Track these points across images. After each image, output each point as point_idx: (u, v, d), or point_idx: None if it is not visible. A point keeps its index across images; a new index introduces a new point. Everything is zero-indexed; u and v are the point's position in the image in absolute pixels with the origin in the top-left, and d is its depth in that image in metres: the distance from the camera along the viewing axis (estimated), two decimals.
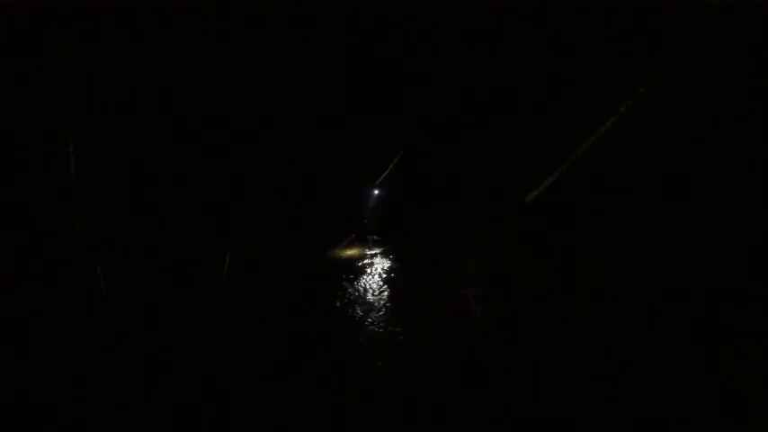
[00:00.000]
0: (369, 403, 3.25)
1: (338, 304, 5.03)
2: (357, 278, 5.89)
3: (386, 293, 5.39)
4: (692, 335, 3.79)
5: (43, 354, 3.57)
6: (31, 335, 3.74)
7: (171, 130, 5.18)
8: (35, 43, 4.35)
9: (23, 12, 4.15)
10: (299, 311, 4.76)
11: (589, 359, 3.80)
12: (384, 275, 6.08)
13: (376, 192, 6.74)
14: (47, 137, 4.53)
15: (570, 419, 3.08)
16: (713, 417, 3.07)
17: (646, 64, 4.56)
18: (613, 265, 4.85)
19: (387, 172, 6.29)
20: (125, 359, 3.65)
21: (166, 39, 4.78)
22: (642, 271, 4.56)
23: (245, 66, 5.27)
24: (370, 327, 4.49)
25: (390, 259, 6.62)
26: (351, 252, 6.56)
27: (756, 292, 3.57)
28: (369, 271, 6.18)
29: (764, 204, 3.71)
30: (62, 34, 4.42)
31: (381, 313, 4.82)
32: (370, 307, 4.99)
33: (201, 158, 5.37)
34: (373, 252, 6.75)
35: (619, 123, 4.77)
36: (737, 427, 3.00)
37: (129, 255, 4.77)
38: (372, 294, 5.39)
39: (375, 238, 6.93)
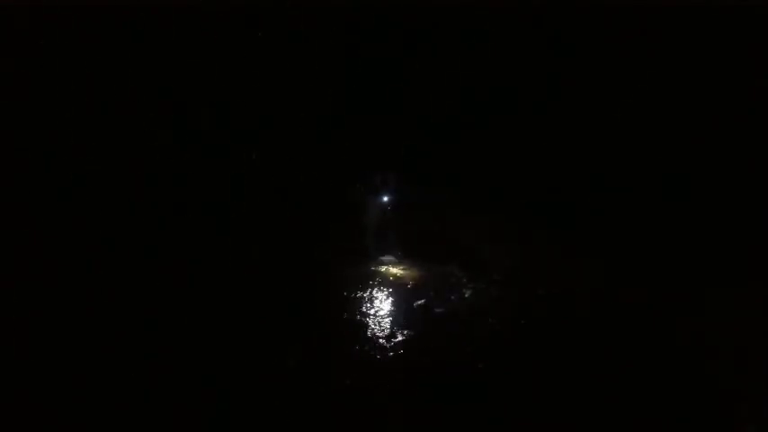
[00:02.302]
0: (367, 404, 3.25)
1: (337, 305, 5.02)
2: (356, 279, 5.86)
3: (385, 295, 5.38)
4: (692, 335, 3.78)
5: (43, 353, 3.57)
6: (30, 335, 3.74)
7: (171, 130, 5.17)
8: (35, 43, 4.34)
9: (23, 12, 4.14)
10: (299, 312, 4.75)
11: (589, 359, 3.80)
12: (383, 277, 6.06)
13: (375, 192, 6.69)
14: (47, 136, 4.53)
15: (569, 420, 3.07)
16: (713, 417, 3.07)
17: (646, 64, 4.56)
18: (613, 265, 4.84)
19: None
20: (125, 359, 3.65)
21: (166, 39, 4.77)
22: (642, 271, 4.55)
23: (245, 66, 5.26)
24: (369, 328, 4.49)
25: (389, 260, 6.60)
26: (350, 253, 6.52)
27: (756, 292, 3.56)
28: (368, 273, 6.16)
29: (764, 204, 3.70)
30: (62, 34, 4.42)
31: (381, 314, 4.81)
32: (369, 308, 4.98)
33: (201, 158, 5.37)
34: (373, 253, 6.71)
35: (619, 123, 4.77)
36: (737, 426, 2.99)
37: (129, 254, 4.77)
38: (372, 295, 5.37)
39: (374, 238, 6.89)
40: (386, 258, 6.59)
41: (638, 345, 3.92)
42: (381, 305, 5.05)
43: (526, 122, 5.49)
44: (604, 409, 3.15)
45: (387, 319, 4.66)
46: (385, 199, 6.79)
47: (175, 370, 3.55)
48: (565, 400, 3.24)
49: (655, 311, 4.17)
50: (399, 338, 4.24)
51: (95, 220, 4.66)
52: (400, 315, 4.81)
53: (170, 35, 4.77)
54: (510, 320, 4.61)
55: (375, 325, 4.52)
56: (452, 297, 5.24)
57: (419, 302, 5.11)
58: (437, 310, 4.94)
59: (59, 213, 4.50)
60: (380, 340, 4.20)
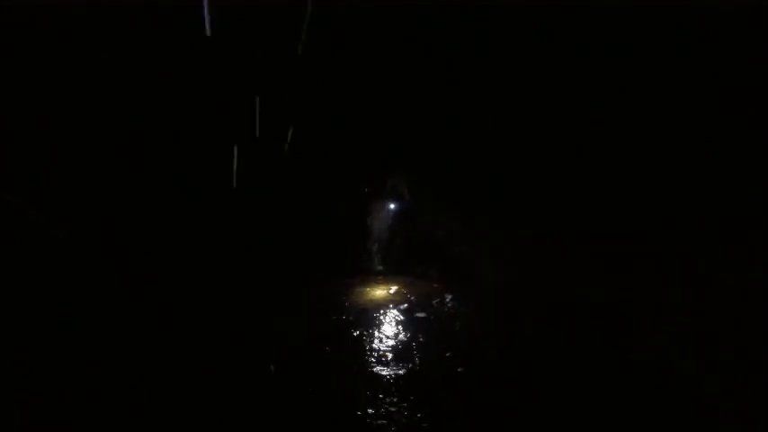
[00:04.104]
0: (360, 409, 3.23)
1: (332, 311, 4.97)
2: (339, 284, 5.76)
3: (380, 301, 5.33)
4: (695, 343, 3.72)
5: (42, 353, 3.59)
6: (31, 334, 3.76)
7: (169, 130, 5.20)
8: (35, 43, 4.38)
9: (23, 11, 4.18)
10: (294, 321, 4.72)
11: (586, 367, 3.76)
12: (378, 282, 6.01)
13: (370, 193, 6.61)
14: (48, 136, 4.56)
15: (552, 423, 3.05)
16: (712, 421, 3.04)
17: (646, 64, 4.54)
18: (612, 269, 4.80)
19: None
20: (124, 359, 3.66)
21: (162, 37, 4.80)
22: (642, 275, 4.50)
23: (244, 65, 5.28)
24: (364, 333, 4.46)
25: (385, 265, 6.52)
26: (333, 258, 6.36)
27: (758, 295, 3.51)
28: (350, 278, 6.10)
29: (765, 205, 3.66)
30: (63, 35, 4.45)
31: (362, 319, 4.77)
32: (365, 313, 4.95)
33: (200, 160, 5.39)
34: (368, 257, 6.64)
35: (618, 123, 4.75)
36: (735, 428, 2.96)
37: (130, 255, 4.79)
38: (367, 300, 5.34)
39: (357, 244, 6.75)
40: (379, 264, 6.51)
41: (637, 353, 3.88)
42: (363, 310, 4.98)
43: (526, 122, 5.45)
44: (587, 413, 3.12)
45: (368, 325, 4.61)
46: (380, 202, 6.70)
47: (174, 370, 3.56)
48: (560, 406, 3.21)
49: (655, 318, 4.13)
50: (380, 342, 4.21)
51: (93, 219, 4.68)
52: (382, 320, 4.75)
53: (165, 32, 4.80)
54: (491, 325, 4.58)
55: (357, 330, 4.47)
56: (434, 302, 5.19)
57: (401, 307, 5.06)
58: (418, 315, 4.89)
59: (59, 212, 4.52)
60: (375, 347, 4.16)
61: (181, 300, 4.57)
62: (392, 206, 6.56)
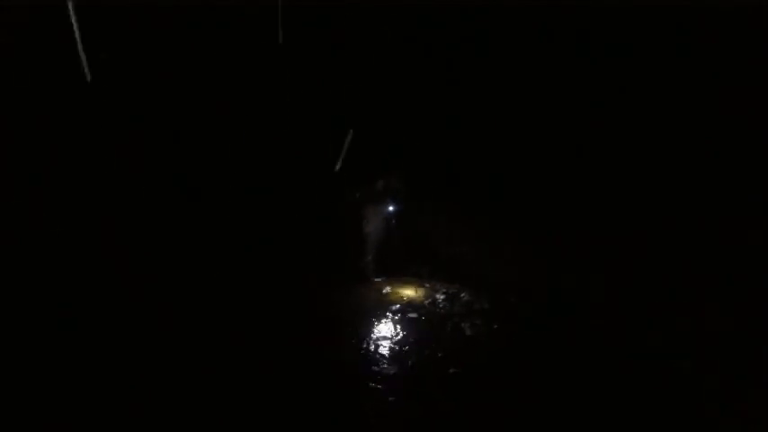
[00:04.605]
0: (357, 409, 3.23)
1: (330, 312, 4.96)
2: (344, 286, 5.74)
3: (379, 301, 5.31)
4: (694, 346, 3.71)
5: (42, 353, 3.59)
6: (31, 334, 3.76)
7: (169, 130, 5.20)
8: (35, 43, 4.38)
9: (23, 11, 4.18)
10: (293, 320, 4.71)
11: (585, 367, 3.76)
12: (377, 283, 5.99)
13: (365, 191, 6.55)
14: (48, 136, 4.56)
15: (564, 424, 3.05)
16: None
17: (646, 64, 4.54)
18: (612, 271, 4.79)
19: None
20: (124, 359, 3.66)
21: (161, 36, 4.81)
22: (641, 278, 4.49)
23: (243, 65, 5.29)
24: (362, 333, 4.45)
25: (384, 266, 6.49)
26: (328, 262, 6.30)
27: (758, 295, 3.51)
28: (362, 277, 6.06)
29: (764, 206, 3.66)
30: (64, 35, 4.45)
31: (375, 321, 4.76)
32: (362, 313, 4.93)
33: (199, 161, 5.39)
34: (366, 257, 6.60)
35: (617, 124, 4.75)
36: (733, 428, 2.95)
37: (128, 255, 4.79)
38: (365, 301, 5.32)
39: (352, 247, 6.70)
40: (366, 264, 6.46)
41: (635, 357, 3.87)
42: (361, 311, 4.97)
43: (525, 122, 5.45)
44: (586, 414, 3.11)
45: (366, 325, 4.60)
46: (376, 201, 6.63)
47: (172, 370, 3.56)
48: (557, 410, 3.21)
49: (654, 320, 4.12)
50: (377, 343, 4.20)
51: (90, 218, 4.69)
52: (380, 321, 4.74)
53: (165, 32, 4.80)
54: (482, 325, 4.57)
55: (354, 330, 4.46)
56: (426, 302, 5.19)
57: (398, 307, 5.06)
58: (410, 315, 4.88)
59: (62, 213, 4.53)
60: (358, 345, 4.15)
61: (181, 300, 4.56)
62: (391, 207, 6.53)
